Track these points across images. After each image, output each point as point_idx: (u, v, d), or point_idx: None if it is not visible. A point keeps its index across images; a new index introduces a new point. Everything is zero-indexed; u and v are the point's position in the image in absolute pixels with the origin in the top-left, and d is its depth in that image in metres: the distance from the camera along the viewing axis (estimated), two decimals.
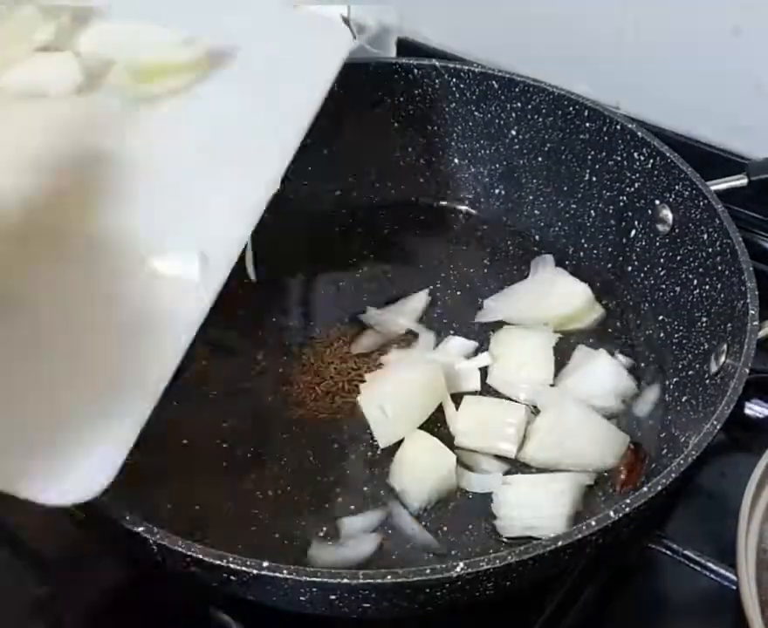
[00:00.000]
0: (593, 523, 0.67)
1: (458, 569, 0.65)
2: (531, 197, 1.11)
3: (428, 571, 0.65)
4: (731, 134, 1.11)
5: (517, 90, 1.07)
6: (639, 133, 0.99)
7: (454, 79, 1.10)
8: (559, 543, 0.66)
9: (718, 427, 0.73)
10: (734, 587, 0.75)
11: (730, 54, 1.07)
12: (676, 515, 0.87)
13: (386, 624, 0.77)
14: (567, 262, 1.07)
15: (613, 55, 1.15)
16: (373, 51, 1.33)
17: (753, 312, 0.81)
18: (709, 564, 0.80)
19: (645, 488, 0.69)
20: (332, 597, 0.67)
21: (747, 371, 0.77)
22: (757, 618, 0.70)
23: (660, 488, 0.69)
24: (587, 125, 1.04)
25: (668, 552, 0.82)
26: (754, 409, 0.93)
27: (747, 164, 0.98)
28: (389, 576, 0.65)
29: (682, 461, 0.71)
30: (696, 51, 1.09)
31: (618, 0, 1.13)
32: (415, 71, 1.10)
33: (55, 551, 0.86)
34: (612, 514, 0.68)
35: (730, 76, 1.08)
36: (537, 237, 1.10)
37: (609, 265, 1.04)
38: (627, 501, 0.69)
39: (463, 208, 1.14)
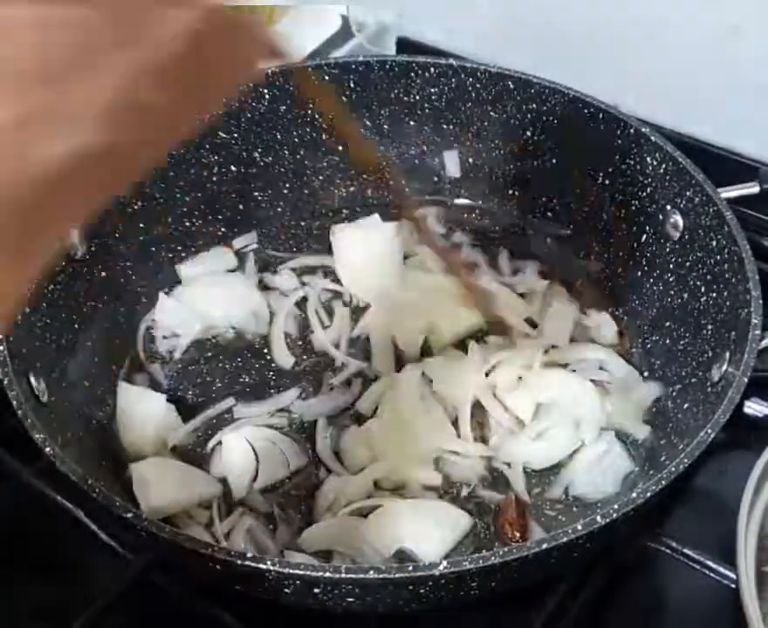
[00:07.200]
0: (579, 527, 0.67)
1: (441, 567, 0.65)
2: (544, 199, 1.10)
3: (410, 568, 0.65)
4: (731, 134, 1.11)
5: (532, 91, 1.07)
6: (652, 138, 0.98)
7: (470, 79, 1.09)
8: (544, 546, 0.66)
9: (712, 436, 0.73)
10: (733, 585, 0.75)
11: (731, 54, 1.07)
12: (676, 513, 0.86)
13: (385, 623, 0.78)
14: (580, 267, 1.06)
15: (613, 55, 1.15)
16: (373, 49, 1.33)
17: (756, 321, 0.80)
18: (709, 562, 0.80)
19: (634, 494, 0.69)
20: (316, 590, 0.67)
21: (746, 380, 0.76)
22: (757, 616, 0.69)
23: (649, 494, 0.69)
24: (602, 128, 1.03)
25: (668, 550, 0.81)
26: (753, 408, 0.92)
27: (759, 171, 0.97)
28: (372, 572, 0.65)
29: (673, 469, 0.71)
30: (696, 51, 1.09)
31: (618, 0, 1.13)
32: (432, 69, 1.10)
33: (56, 552, 0.86)
34: (599, 519, 0.68)
35: (731, 76, 1.08)
36: (548, 240, 1.09)
37: (619, 270, 1.04)
38: (615, 506, 0.68)
39: (477, 208, 1.14)
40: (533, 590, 0.77)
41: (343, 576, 0.65)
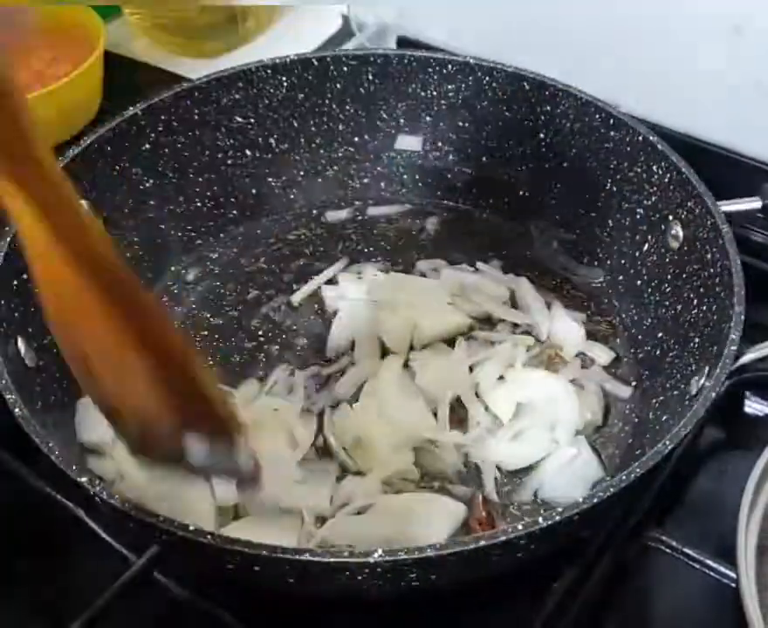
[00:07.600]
0: (519, 528, 0.67)
1: (376, 555, 0.65)
2: (553, 202, 1.09)
3: (345, 554, 0.66)
4: (731, 133, 1.10)
5: (547, 93, 1.06)
6: (659, 146, 0.97)
7: (487, 78, 1.09)
8: (481, 544, 0.66)
9: (670, 448, 0.72)
10: (733, 584, 0.76)
11: (731, 53, 1.06)
12: (676, 512, 0.86)
13: (385, 622, 0.78)
14: (582, 273, 1.06)
15: (613, 54, 1.13)
16: (373, 48, 1.33)
17: (734, 337, 0.79)
18: (709, 562, 0.80)
19: (580, 499, 0.69)
20: (256, 568, 0.68)
21: (714, 395, 0.75)
22: (757, 615, 0.70)
23: (596, 500, 0.68)
24: (612, 133, 1.02)
25: (668, 550, 0.81)
26: (753, 407, 0.92)
27: (763, 186, 0.95)
28: (307, 555, 0.66)
29: (624, 478, 0.70)
30: (696, 51, 1.08)
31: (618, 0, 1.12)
32: (449, 66, 1.10)
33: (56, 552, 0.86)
34: (540, 520, 0.67)
35: (731, 76, 1.07)
36: (555, 244, 1.09)
37: (620, 277, 1.03)
38: (559, 509, 0.68)
39: (488, 208, 1.14)
40: (533, 589, 0.77)
41: (279, 556, 0.66)
